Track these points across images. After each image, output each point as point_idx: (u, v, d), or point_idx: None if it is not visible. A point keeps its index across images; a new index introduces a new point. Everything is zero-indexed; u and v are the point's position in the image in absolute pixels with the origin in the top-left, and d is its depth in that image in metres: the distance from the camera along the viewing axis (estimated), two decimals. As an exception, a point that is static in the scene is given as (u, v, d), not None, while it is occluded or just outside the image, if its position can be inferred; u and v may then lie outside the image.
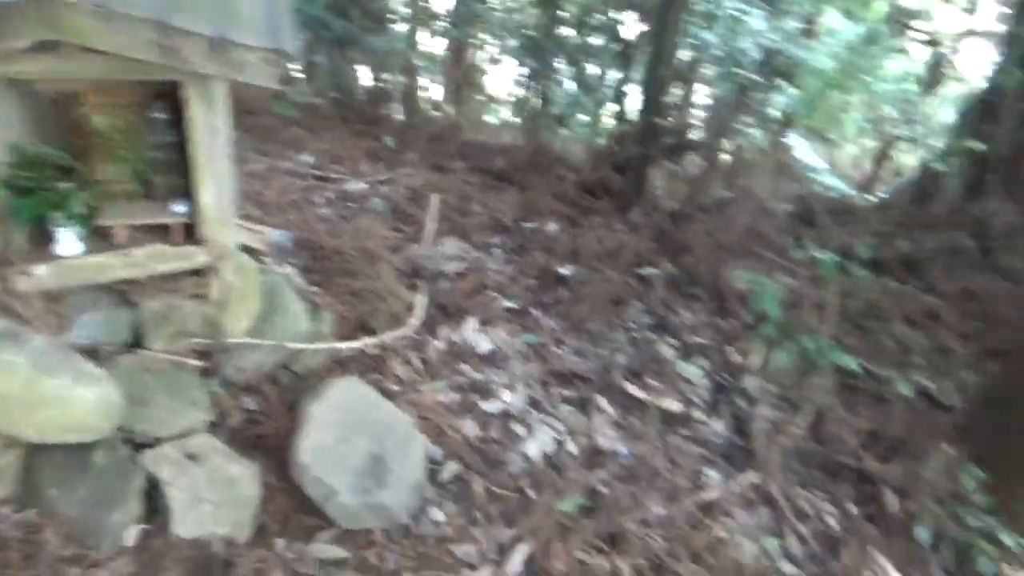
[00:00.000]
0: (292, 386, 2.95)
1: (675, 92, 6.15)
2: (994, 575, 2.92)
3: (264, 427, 2.73)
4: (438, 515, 2.70)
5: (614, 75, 7.01)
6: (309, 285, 3.53)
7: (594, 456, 3.11)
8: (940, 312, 4.96)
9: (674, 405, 3.51)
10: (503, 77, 9.83)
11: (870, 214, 6.42)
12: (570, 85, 7.53)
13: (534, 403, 3.34)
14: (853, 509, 3.19)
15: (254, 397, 2.84)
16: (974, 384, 3.99)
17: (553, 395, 3.46)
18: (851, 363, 3.35)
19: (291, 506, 2.53)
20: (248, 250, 3.01)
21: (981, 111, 5.80)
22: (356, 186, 4.93)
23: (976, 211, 5.47)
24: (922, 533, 3.03)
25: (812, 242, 3.50)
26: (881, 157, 9.33)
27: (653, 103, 5.69)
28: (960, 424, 3.63)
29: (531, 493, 2.88)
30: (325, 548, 2.45)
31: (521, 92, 8.46)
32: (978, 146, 5.11)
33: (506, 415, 3.21)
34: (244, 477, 2.44)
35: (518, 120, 8.76)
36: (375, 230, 4.22)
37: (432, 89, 9.62)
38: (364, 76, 8.17)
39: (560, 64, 7.51)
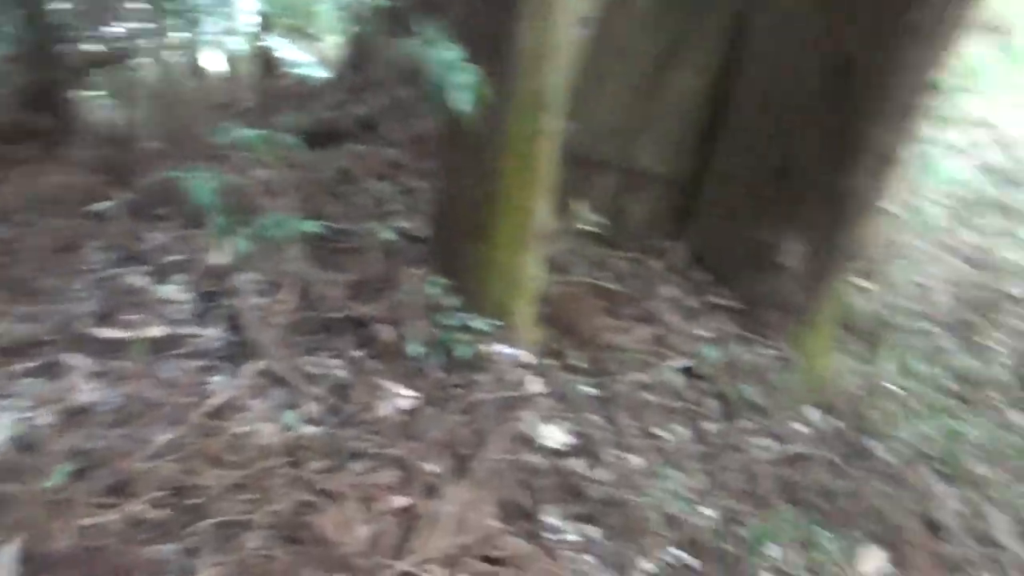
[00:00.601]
0: None
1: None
2: (474, 355, 3.46)
3: None
4: None
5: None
6: None
7: (75, 417, 2.79)
8: (401, 161, 5.48)
9: (158, 331, 3.32)
10: None
11: (325, 90, 6.68)
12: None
13: (-15, 392, 2.85)
14: (357, 353, 3.45)
15: None
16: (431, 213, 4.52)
17: (12, 372, 2.99)
18: (316, 228, 3.50)
19: None
20: None
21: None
22: None
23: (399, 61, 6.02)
24: (415, 348, 3.42)
25: (247, 126, 3.46)
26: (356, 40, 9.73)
27: (42, 24, 4.91)
28: (426, 249, 4.12)
29: (9, 488, 2.49)
30: None
31: None
32: (383, 3, 5.56)
33: (-52, 421, 2.68)
34: None
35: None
36: None
37: None
38: None
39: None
